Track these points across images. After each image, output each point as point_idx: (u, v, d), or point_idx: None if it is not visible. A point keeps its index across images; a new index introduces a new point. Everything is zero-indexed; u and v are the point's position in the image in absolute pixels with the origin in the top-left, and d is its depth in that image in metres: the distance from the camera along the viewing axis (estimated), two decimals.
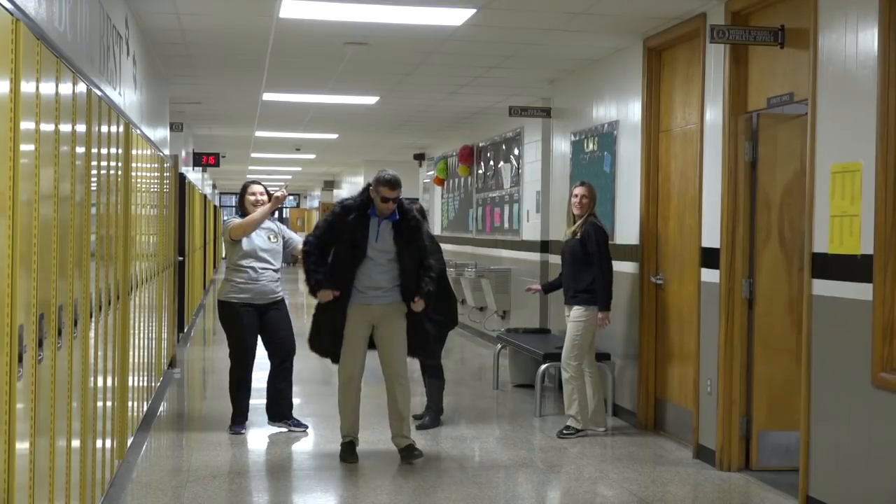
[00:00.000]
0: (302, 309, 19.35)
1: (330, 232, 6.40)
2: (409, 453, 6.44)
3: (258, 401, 7.52)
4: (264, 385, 7.41)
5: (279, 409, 7.38)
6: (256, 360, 7.40)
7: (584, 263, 7.20)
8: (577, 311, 7.26)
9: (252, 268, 7.14)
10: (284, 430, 7.32)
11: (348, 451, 6.47)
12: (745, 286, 6.26)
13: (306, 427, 7.37)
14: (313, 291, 6.37)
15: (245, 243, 7.15)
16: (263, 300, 7.20)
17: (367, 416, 6.99)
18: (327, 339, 6.42)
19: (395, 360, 6.46)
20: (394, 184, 6.28)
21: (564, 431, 7.22)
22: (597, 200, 7.41)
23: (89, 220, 4.54)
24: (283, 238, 7.39)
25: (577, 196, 7.31)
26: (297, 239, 7.46)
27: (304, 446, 7.06)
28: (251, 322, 7.18)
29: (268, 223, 7.29)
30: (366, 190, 6.44)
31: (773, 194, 6.26)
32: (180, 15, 7.12)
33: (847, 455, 5.10)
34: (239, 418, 7.31)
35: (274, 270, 7.28)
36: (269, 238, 7.26)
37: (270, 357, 7.36)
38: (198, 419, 7.94)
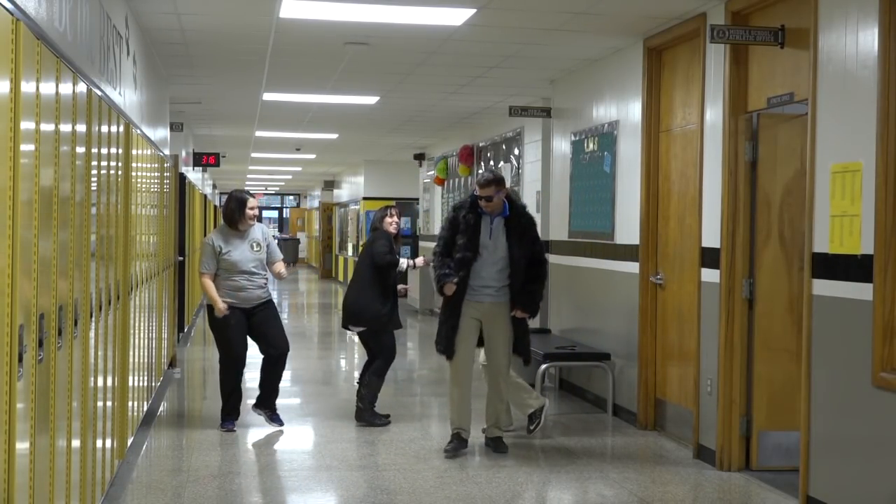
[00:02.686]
0: (302, 309, 19.32)
1: (451, 231, 6.64)
2: (498, 445, 6.74)
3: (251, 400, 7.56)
4: (254, 386, 7.47)
5: (265, 397, 7.43)
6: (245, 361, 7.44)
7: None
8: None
9: (237, 279, 7.19)
10: (263, 417, 7.42)
11: (456, 445, 6.66)
12: (746, 286, 6.26)
13: (282, 425, 7.42)
14: (440, 289, 6.57)
15: (229, 258, 7.17)
16: (250, 305, 7.26)
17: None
18: (448, 339, 6.62)
19: (499, 357, 6.70)
20: (484, 183, 6.57)
21: (534, 426, 7.24)
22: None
23: (89, 220, 4.54)
24: (268, 247, 7.37)
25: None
26: (278, 256, 7.47)
27: (304, 446, 7.06)
28: (239, 322, 7.20)
29: (254, 232, 7.33)
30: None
31: (773, 194, 6.26)
32: (180, 15, 7.12)
33: (847, 455, 5.10)
34: (230, 415, 7.36)
35: (260, 279, 7.29)
36: (252, 247, 7.26)
37: (264, 354, 7.39)
38: (198, 419, 7.94)
